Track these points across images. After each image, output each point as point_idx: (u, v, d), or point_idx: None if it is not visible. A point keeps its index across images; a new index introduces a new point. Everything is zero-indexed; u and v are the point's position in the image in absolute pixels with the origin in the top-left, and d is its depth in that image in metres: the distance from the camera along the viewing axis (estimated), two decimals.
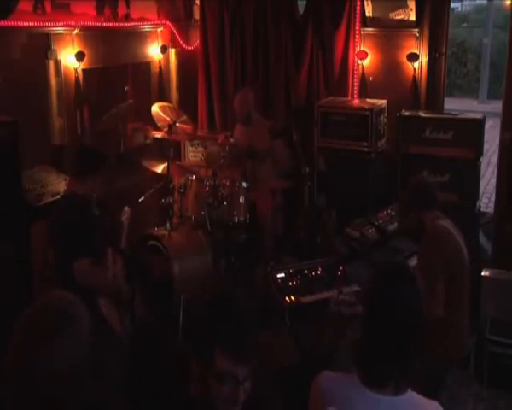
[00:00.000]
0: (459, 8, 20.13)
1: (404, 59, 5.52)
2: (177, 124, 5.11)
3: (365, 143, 5.26)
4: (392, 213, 4.58)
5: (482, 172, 5.61)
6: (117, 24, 5.57)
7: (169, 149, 5.04)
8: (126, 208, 3.80)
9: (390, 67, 5.66)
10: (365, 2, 5.57)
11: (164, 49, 6.22)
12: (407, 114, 5.24)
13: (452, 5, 7.94)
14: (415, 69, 5.49)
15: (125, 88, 5.94)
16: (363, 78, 5.75)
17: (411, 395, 1.82)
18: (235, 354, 1.64)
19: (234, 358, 1.64)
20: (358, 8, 5.63)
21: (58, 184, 4.44)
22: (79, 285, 3.17)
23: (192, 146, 6.16)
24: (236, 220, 4.88)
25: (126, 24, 5.71)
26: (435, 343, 2.90)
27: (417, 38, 5.47)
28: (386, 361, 1.80)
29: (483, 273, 4.44)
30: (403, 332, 1.80)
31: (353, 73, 5.79)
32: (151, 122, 5.33)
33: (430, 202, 3.32)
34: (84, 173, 3.47)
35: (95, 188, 3.50)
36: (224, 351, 1.64)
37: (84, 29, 5.13)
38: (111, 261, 3.36)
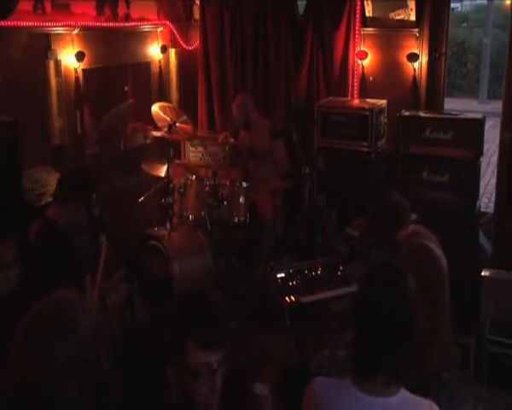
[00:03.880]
0: (459, 8, 20.12)
1: (404, 59, 5.51)
2: (177, 124, 5.11)
3: (365, 143, 5.26)
4: None
5: (482, 172, 5.60)
6: (117, 24, 5.58)
7: (169, 148, 5.04)
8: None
9: (390, 67, 5.66)
10: (365, 2, 5.56)
11: (164, 49, 6.23)
12: (407, 114, 5.23)
13: (452, 5, 7.94)
14: (415, 69, 5.48)
15: (125, 88, 5.94)
16: (363, 78, 5.75)
17: (404, 395, 1.82)
18: (204, 342, 1.63)
19: (204, 347, 1.63)
20: (358, 8, 5.62)
21: None
22: None
23: (192, 146, 6.16)
24: (236, 220, 4.89)
25: (126, 24, 5.71)
26: (416, 355, 2.87)
27: (417, 38, 5.46)
28: (380, 361, 1.80)
29: (483, 273, 4.44)
30: (395, 331, 1.80)
31: (353, 73, 5.79)
32: (151, 122, 5.34)
33: (400, 221, 3.20)
34: (65, 200, 3.31)
35: (78, 216, 3.31)
36: (195, 342, 1.63)
37: (84, 29, 5.13)
38: (89, 289, 3.32)
